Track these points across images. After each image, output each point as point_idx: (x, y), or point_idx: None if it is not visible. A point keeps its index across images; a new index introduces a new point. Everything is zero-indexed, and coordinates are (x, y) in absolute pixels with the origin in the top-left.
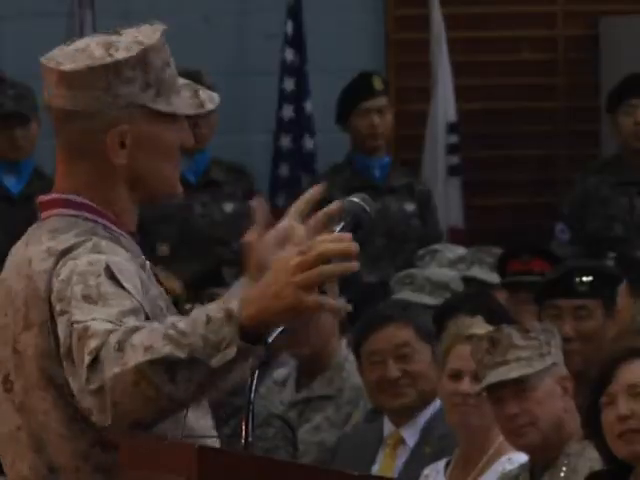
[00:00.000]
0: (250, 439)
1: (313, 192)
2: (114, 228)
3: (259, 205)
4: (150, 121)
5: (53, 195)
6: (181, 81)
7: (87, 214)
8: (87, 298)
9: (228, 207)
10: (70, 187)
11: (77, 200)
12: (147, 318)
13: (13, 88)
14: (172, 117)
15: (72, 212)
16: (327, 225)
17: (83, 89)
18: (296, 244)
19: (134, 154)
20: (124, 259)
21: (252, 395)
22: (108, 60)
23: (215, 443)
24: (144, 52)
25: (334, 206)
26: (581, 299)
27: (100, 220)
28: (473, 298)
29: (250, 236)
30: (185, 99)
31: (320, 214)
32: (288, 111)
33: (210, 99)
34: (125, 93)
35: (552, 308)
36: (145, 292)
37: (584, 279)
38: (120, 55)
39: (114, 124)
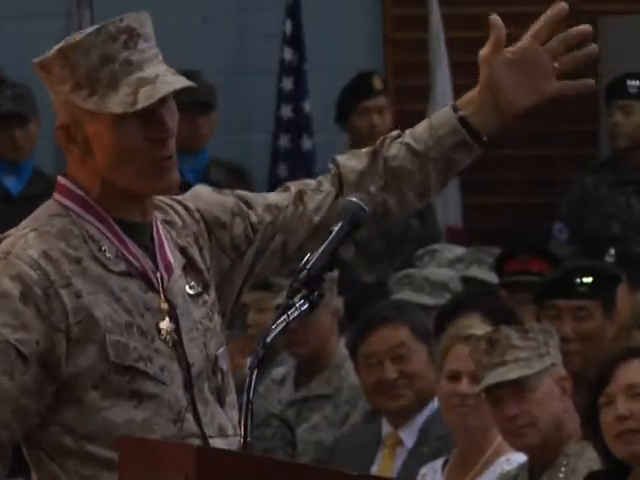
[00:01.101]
0: (249, 439)
1: (556, 10)
2: (81, 214)
3: (495, 20)
4: (94, 120)
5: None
6: (151, 74)
7: (60, 197)
8: None
9: None
10: (69, 170)
11: (61, 182)
12: (20, 354)
13: (12, 88)
14: (120, 115)
15: (56, 195)
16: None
17: (45, 84)
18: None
19: (92, 151)
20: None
21: (251, 394)
22: (38, 59)
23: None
24: (62, 52)
25: (582, 27)
26: (581, 300)
27: (68, 203)
28: (480, 298)
29: (485, 50)
30: (120, 97)
31: (564, 35)
32: (287, 111)
33: (148, 97)
34: (60, 91)
35: (551, 308)
36: (51, 311)
37: (584, 280)
38: (48, 54)
39: (60, 120)
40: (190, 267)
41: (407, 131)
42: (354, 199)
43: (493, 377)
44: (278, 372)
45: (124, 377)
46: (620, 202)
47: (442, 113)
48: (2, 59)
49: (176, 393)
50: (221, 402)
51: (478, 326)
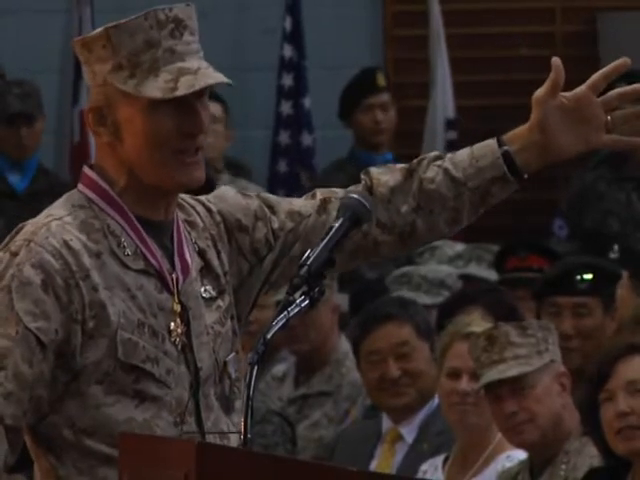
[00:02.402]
0: (249, 435)
1: (614, 66)
2: (104, 207)
3: (557, 63)
4: (129, 103)
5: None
6: (193, 65)
7: (84, 188)
8: None
9: None
10: (95, 161)
11: (87, 173)
12: (39, 342)
13: (19, 87)
14: (157, 101)
15: (81, 186)
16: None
17: (83, 65)
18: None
19: (121, 136)
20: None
21: (251, 391)
22: (80, 37)
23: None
24: (107, 33)
25: (630, 88)
26: (581, 296)
27: (92, 195)
28: (482, 293)
29: (541, 91)
30: (159, 83)
31: (621, 90)
32: (286, 107)
33: (189, 86)
34: (99, 71)
35: (551, 305)
36: (70, 302)
37: (584, 276)
38: (91, 32)
39: (93, 101)
40: (207, 271)
41: (447, 155)
42: (355, 196)
43: (492, 374)
44: (278, 369)
45: (129, 376)
46: (620, 198)
47: (486, 144)
48: (3, 55)
49: (180, 396)
50: (227, 409)
51: (478, 323)
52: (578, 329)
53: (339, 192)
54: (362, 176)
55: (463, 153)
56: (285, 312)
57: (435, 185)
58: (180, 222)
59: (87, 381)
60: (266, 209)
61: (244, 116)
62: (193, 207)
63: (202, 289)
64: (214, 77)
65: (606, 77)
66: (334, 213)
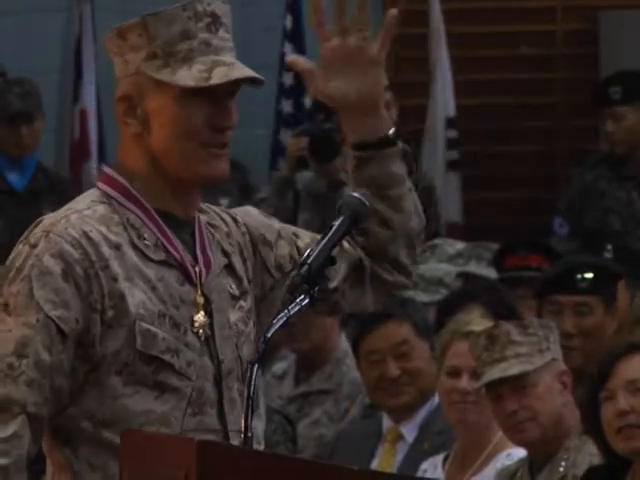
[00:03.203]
0: (249, 434)
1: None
2: (124, 202)
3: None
4: (161, 92)
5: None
6: (227, 59)
7: (103, 185)
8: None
9: (224, 202)
10: (118, 155)
11: (106, 171)
12: (60, 330)
13: (19, 86)
14: (189, 92)
15: (100, 184)
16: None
17: (112, 55)
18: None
19: (149, 126)
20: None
21: (252, 390)
22: (116, 26)
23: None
24: (144, 21)
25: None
26: (582, 295)
27: (111, 192)
28: (482, 291)
29: (311, 83)
30: (193, 72)
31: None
32: (287, 105)
33: (223, 76)
34: (132, 60)
35: (552, 304)
36: (90, 291)
37: (585, 275)
38: (126, 21)
39: (124, 91)
40: (230, 270)
41: None
42: (356, 194)
43: (493, 373)
44: (278, 367)
45: (149, 367)
46: (620, 197)
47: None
48: (3, 53)
49: (202, 388)
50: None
51: (478, 322)
52: (579, 328)
53: None
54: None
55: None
56: (285, 311)
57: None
58: (202, 222)
59: (106, 372)
60: (290, 233)
61: (245, 114)
62: (218, 214)
63: (229, 286)
64: (248, 72)
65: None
66: (354, 244)
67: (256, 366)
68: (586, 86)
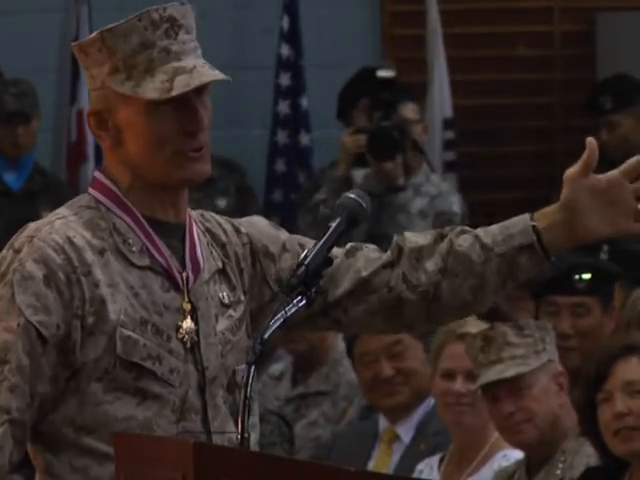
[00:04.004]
0: (246, 435)
1: None
2: (111, 207)
3: (592, 144)
4: (128, 106)
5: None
6: (189, 64)
7: (93, 191)
8: None
9: (221, 203)
10: (105, 162)
11: (97, 176)
12: (40, 336)
13: (15, 86)
14: (155, 102)
15: (91, 189)
16: None
17: (83, 68)
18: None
19: (122, 138)
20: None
21: (249, 390)
22: (78, 42)
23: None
24: (101, 36)
25: None
26: (579, 296)
27: (100, 197)
28: None
29: (573, 170)
30: (155, 83)
31: None
32: (284, 106)
33: (184, 85)
34: (97, 74)
35: (550, 305)
36: (72, 297)
37: (583, 276)
38: (88, 36)
39: (94, 105)
40: (224, 278)
41: (480, 228)
42: (352, 196)
43: (490, 375)
44: (275, 369)
45: (130, 373)
46: None
47: (518, 217)
48: (0, 54)
49: (185, 395)
50: (237, 420)
51: (473, 323)
52: (577, 329)
53: (370, 246)
54: (395, 237)
55: (496, 225)
56: (282, 312)
57: (464, 249)
58: (194, 226)
59: (87, 378)
60: (297, 245)
61: (242, 115)
62: (220, 224)
63: (220, 294)
64: (209, 75)
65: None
66: (361, 260)
67: (253, 367)
68: (583, 87)
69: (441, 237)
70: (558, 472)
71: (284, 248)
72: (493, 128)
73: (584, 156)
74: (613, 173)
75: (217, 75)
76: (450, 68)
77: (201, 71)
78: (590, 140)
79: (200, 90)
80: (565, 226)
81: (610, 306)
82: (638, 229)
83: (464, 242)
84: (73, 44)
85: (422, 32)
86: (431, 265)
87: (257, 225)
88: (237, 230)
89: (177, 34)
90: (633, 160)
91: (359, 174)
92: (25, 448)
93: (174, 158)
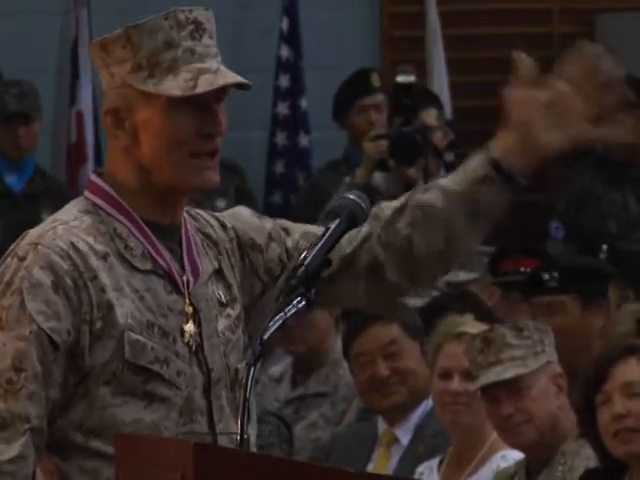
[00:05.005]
0: (245, 436)
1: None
2: (111, 212)
3: (519, 57)
4: (148, 104)
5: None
6: (213, 66)
7: (90, 195)
8: None
9: (221, 204)
10: (106, 166)
11: (94, 180)
12: (52, 342)
13: (17, 87)
14: (176, 101)
15: (87, 193)
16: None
17: (97, 67)
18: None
19: (138, 138)
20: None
21: (248, 392)
22: (98, 38)
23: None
24: (127, 33)
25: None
26: (551, 295)
27: (99, 201)
28: (459, 298)
29: (515, 90)
30: (179, 81)
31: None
32: (283, 108)
33: (209, 84)
34: (117, 72)
35: (530, 306)
36: (80, 302)
37: (554, 275)
38: (108, 34)
39: (111, 104)
40: (220, 277)
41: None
42: (352, 196)
43: (489, 376)
44: (275, 370)
45: (138, 377)
46: (616, 199)
47: (475, 156)
48: (0, 55)
49: (191, 397)
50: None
51: (471, 324)
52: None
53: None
54: (372, 209)
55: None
56: (282, 313)
57: (427, 198)
58: (190, 227)
59: (95, 382)
60: (281, 231)
61: (241, 117)
62: (207, 221)
63: (217, 294)
64: (234, 77)
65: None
66: (345, 237)
67: (252, 368)
68: None
69: (411, 194)
70: (558, 474)
71: (270, 238)
72: (493, 130)
73: (517, 73)
74: (555, 83)
75: (240, 79)
76: (449, 70)
77: (225, 73)
78: (517, 54)
79: (219, 97)
80: (521, 147)
81: (595, 304)
82: (596, 134)
83: (428, 193)
84: (93, 42)
85: (421, 33)
86: (402, 222)
87: (241, 217)
88: (223, 225)
89: (202, 37)
90: (570, 64)
91: (378, 176)
92: (41, 455)
93: (189, 161)
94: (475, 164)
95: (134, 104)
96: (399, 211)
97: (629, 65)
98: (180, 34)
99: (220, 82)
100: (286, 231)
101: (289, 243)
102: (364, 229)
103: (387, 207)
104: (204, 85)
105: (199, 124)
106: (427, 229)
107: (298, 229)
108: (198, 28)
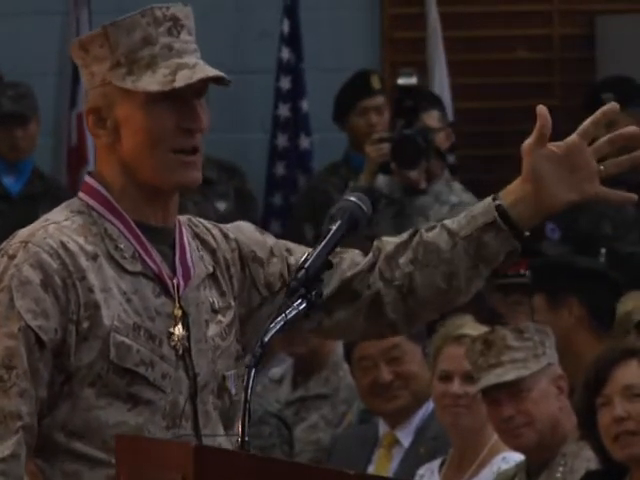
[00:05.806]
0: (246, 438)
1: (602, 111)
2: (103, 213)
3: (542, 111)
4: (128, 100)
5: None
6: (191, 61)
7: (84, 195)
8: None
9: (221, 206)
10: (96, 165)
11: (87, 181)
12: (39, 340)
13: (13, 88)
14: (155, 97)
15: (81, 194)
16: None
17: (79, 67)
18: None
19: (119, 136)
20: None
21: (249, 393)
22: (77, 38)
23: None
24: (105, 31)
25: (631, 130)
26: (516, 294)
27: (92, 202)
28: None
29: (529, 141)
30: (157, 77)
31: (612, 136)
32: (284, 110)
33: (187, 78)
34: (97, 71)
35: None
36: (68, 301)
37: (521, 272)
38: (88, 33)
39: (92, 103)
40: (213, 283)
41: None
42: (352, 198)
43: (490, 379)
44: (275, 372)
45: (122, 379)
46: None
47: (483, 201)
48: (0, 57)
49: (176, 401)
50: (227, 425)
51: (470, 326)
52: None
53: (355, 250)
54: (375, 241)
55: (463, 212)
56: (282, 315)
57: (431, 238)
58: (185, 231)
59: (80, 383)
60: (283, 249)
61: (242, 119)
62: (209, 230)
63: (210, 299)
64: (212, 72)
65: (595, 123)
66: (347, 261)
67: (253, 370)
68: (583, 90)
69: (415, 232)
70: (558, 475)
71: (272, 253)
72: (493, 131)
73: (537, 125)
74: (571, 138)
75: (219, 73)
76: (450, 71)
77: (203, 68)
78: (540, 107)
79: (199, 92)
80: (530, 198)
81: (561, 302)
82: (603, 192)
83: (432, 232)
84: (73, 42)
85: (422, 35)
86: (403, 259)
87: (244, 230)
88: (225, 236)
89: (179, 33)
90: (588, 121)
91: (380, 179)
92: (31, 453)
93: (169, 157)
94: (480, 209)
95: (114, 102)
96: (402, 247)
97: (629, 67)
98: (158, 30)
99: (198, 76)
100: (289, 251)
101: (291, 260)
102: (367, 259)
103: (389, 242)
104: (182, 80)
105: (178, 119)
106: (430, 269)
107: (300, 250)
108: (176, 24)
